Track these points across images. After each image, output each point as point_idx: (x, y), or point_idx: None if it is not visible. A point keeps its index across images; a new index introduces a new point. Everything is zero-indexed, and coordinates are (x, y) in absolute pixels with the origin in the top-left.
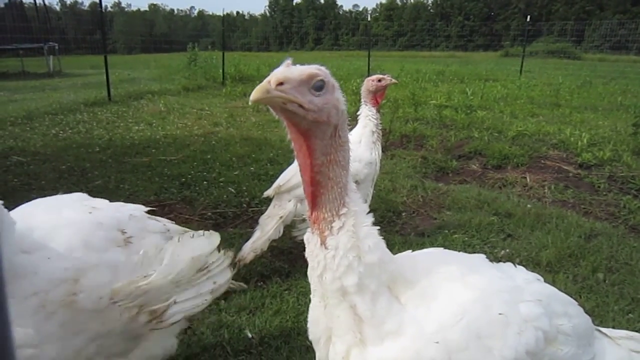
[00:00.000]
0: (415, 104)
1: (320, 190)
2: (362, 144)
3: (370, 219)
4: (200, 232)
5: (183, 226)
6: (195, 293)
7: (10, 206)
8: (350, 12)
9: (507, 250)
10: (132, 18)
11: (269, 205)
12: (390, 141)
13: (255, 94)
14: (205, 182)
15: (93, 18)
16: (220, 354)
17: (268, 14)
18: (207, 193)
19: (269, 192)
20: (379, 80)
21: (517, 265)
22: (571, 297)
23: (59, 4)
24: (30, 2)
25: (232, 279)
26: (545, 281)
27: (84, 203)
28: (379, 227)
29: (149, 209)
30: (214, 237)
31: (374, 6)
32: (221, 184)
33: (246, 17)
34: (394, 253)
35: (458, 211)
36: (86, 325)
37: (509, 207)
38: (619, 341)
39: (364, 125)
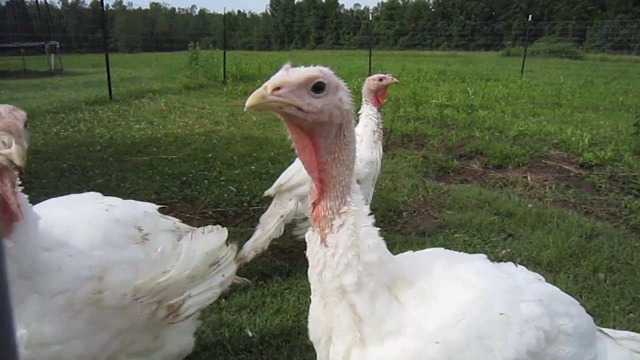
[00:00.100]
0: (417, 103)
1: (322, 187)
2: (363, 143)
3: (371, 219)
4: (209, 227)
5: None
6: (207, 286)
7: None
8: (352, 11)
9: (508, 249)
10: (133, 17)
11: (269, 204)
12: (392, 140)
13: (250, 100)
14: (206, 181)
15: (94, 16)
16: (220, 352)
17: (269, 12)
18: (208, 192)
19: (269, 191)
20: (380, 80)
21: (518, 265)
22: (572, 297)
23: (60, 2)
24: (31, 1)
25: (236, 275)
26: (546, 281)
27: (99, 201)
28: (379, 228)
29: (159, 206)
30: (223, 232)
31: (375, 5)
32: (222, 182)
33: (247, 16)
34: (395, 252)
35: (459, 211)
36: (110, 322)
37: (510, 207)
38: (620, 342)
39: (365, 125)
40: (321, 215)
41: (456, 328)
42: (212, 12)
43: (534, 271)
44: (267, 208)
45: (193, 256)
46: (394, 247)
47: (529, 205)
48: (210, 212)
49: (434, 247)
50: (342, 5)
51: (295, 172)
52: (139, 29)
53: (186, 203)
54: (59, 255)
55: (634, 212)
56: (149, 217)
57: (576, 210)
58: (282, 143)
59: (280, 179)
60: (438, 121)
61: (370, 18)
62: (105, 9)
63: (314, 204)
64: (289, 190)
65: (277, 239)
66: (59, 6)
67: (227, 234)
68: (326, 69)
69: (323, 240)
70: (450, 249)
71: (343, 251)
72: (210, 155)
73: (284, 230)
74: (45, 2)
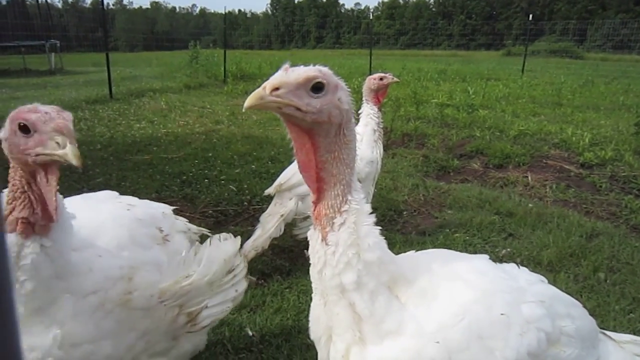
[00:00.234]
0: (417, 102)
1: (323, 186)
2: (364, 142)
3: (372, 218)
4: (224, 234)
5: None
6: (222, 299)
7: None
8: (352, 10)
9: (508, 249)
10: (133, 16)
11: (270, 203)
12: (392, 140)
13: (249, 100)
14: (206, 180)
15: (95, 15)
16: (221, 351)
17: (270, 12)
18: (208, 191)
19: (270, 190)
20: (381, 79)
21: (520, 267)
22: (572, 296)
23: (61, 1)
24: (32, 0)
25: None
26: (546, 281)
27: (117, 200)
28: (380, 227)
29: (174, 207)
30: (237, 240)
31: (376, 4)
32: (222, 182)
33: (248, 15)
34: (395, 252)
35: (459, 210)
36: (138, 323)
37: (510, 207)
38: (623, 345)
39: (365, 124)
40: (322, 213)
41: (457, 328)
42: (212, 11)
43: (534, 271)
44: (267, 207)
45: (213, 262)
46: (395, 246)
47: (530, 205)
48: (210, 211)
49: (434, 246)
50: (343, 4)
51: (296, 171)
52: (139, 28)
53: (186, 202)
54: (88, 256)
55: (635, 212)
56: (167, 218)
57: (576, 210)
58: (282, 142)
59: (281, 178)
60: (438, 121)
61: (371, 17)
62: (105, 8)
63: (316, 203)
64: (289, 190)
65: (277, 238)
66: (60, 5)
67: (240, 242)
68: (325, 69)
69: (324, 239)
70: (450, 248)
71: (343, 249)
72: (210, 155)
73: (284, 229)
74: (46, 1)
